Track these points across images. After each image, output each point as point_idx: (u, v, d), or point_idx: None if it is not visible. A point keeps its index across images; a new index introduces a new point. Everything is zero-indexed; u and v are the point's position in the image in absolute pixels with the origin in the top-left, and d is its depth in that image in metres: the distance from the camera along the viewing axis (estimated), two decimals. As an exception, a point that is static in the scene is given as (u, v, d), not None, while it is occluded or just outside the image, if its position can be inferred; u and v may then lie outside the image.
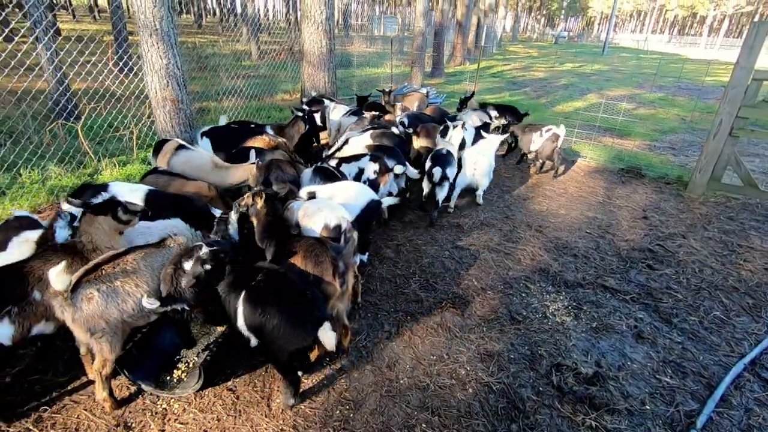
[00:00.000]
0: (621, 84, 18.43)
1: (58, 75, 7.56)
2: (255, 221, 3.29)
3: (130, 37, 11.58)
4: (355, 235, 3.40)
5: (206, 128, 5.31)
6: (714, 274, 4.39)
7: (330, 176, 4.25)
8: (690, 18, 76.72)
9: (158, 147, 4.64)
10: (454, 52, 22.43)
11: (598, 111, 10.29)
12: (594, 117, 9.39)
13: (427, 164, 5.14)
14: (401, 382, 2.97)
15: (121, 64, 6.56)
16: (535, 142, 6.71)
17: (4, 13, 4.93)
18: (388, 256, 4.51)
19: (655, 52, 44.12)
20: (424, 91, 9.47)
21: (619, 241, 5.05)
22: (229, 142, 5.06)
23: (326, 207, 3.42)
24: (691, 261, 4.64)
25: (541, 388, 2.98)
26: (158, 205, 3.42)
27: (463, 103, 8.43)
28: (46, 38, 6.61)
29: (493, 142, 5.98)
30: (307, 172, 4.41)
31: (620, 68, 25.71)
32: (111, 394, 2.66)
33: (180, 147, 4.54)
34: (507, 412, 2.79)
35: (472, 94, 8.65)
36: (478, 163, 5.44)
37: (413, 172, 5.01)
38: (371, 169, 4.63)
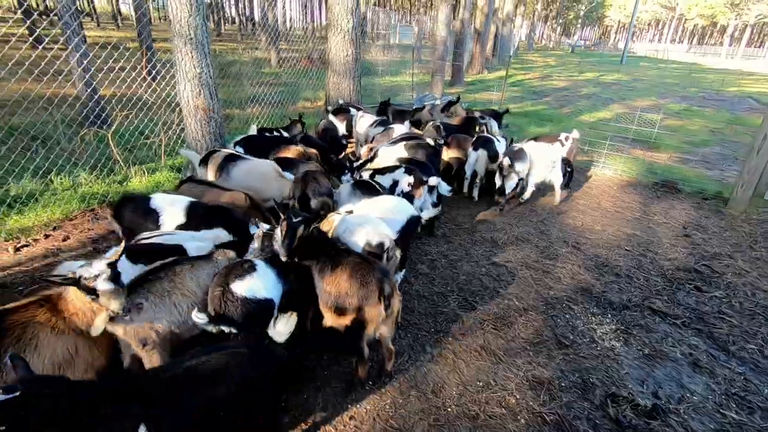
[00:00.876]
0: (643, 94, 18.10)
1: (86, 78, 7.64)
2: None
3: (154, 45, 11.74)
4: (398, 253, 3.30)
5: (239, 138, 5.27)
6: (768, 299, 4.17)
7: (370, 189, 4.14)
8: (710, 27, 75.58)
9: (207, 157, 4.58)
10: (472, 61, 22.33)
11: (622, 122, 10.08)
12: (624, 128, 9.17)
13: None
14: (449, 410, 2.82)
15: (154, 72, 6.56)
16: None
17: (29, 20, 4.97)
18: (423, 272, 4.38)
19: (674, 61, 43.52)
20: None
21: (662, 260, 4.85)
22: (263, 152, 5.00)
23: (369, 223, 3.31)
24: (741, 283, 4.41)
25: (597, 421, 2.80)
26: (199, 216, 3.37)
27: (447, 108, 8.23)
28: (73, 42, 6.67)
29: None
30: (346, 186, 4.32)
31: (641, 78, 25.33)
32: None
33: (236, 157, 4.50)
34: (564, 446, 2.63)
35: (457, 99, 8.49)
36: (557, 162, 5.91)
37: (446, 188, 4.89)
38: (406, 181, 4.52)
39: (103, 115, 8.10)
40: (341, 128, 7.49)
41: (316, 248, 3.05)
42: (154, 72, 6.48)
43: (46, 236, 4.71)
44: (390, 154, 5.19)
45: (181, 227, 3.39)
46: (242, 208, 4.04)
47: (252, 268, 2.57)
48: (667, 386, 3.11)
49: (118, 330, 2.39)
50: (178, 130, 6.98)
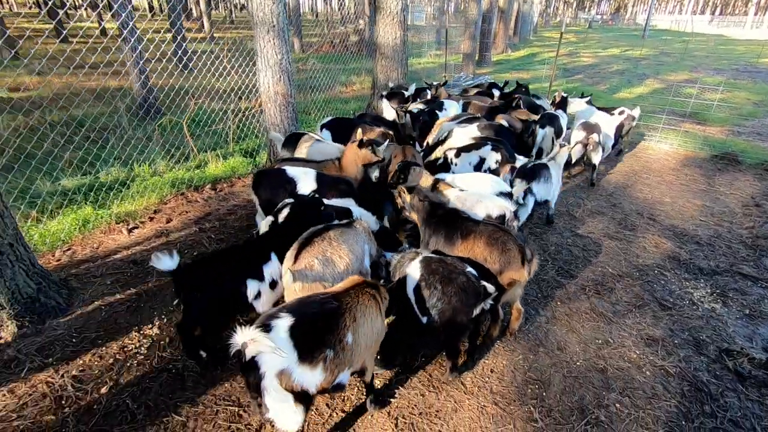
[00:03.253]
0: (676, 68, 17.77)
1: (144, 73, 7.95)
2: (415, 215, 3.45)
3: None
4: (516, 225, 3.50)
5: (326, 120, 5.48)
6: None
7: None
8: (733, -4, 72.74)
9: (291, 139, 4.82)
10: (495, 41, 22.04)
11: (663, 97, 10.03)
12: (680, 102, 9.15)
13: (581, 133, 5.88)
14: (578, 364, 3.07)
15: (231, 61, 6.77)
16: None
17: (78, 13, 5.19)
18: (512, 244, 4.59)
19: (698, 33, 42.18)
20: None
21: (739, 228, 4.98)
22: (348, 134, 5.21)
23: (486, 197, 3.52)
24: (823, 249, 4.54)
25: (718, 372, 3.03)
26: (327, 185, 3.67)
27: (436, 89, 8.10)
28: (131, 39, 6.92)
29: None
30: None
31: (668, 51, 24.76)
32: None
33: (313, 139, 4.75)
34: (693, 394, 2.86)
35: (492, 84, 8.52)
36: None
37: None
38: (493, 158, 4.69)
39: (156, 104, 8.41)
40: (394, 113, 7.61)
41: (442, 217, 3.29)
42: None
43: (151, 218, 5.02)
44: (464, 133, 5.35)
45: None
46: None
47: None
48: (775, 342, 3.31)
49: (295, 287, 2.65)
50: (243, 117, 7.23)
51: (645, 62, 20.01)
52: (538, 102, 7.41)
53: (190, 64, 7.62)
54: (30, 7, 29.55)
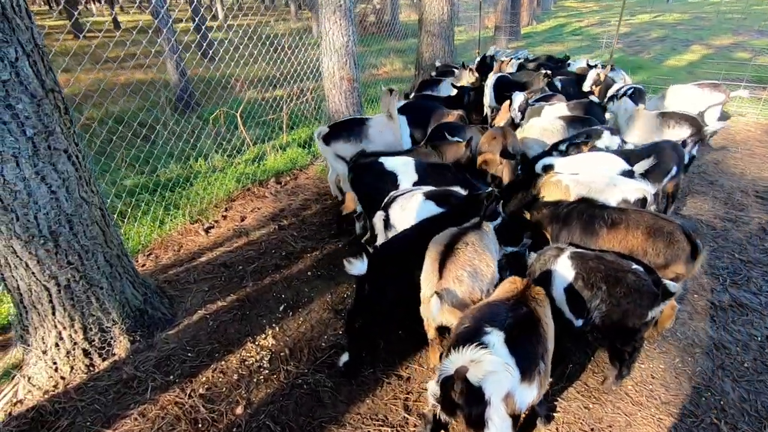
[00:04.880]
0: (717, 32, 16.79)
1: (180, 64, 7.65)
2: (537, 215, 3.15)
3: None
4: (654, 209, 3.17)
5: (400, 104, 5.12)
6: None
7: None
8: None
9: None
10: (521, 13, 21.13)
11: (714, 62, 9.40)
12: (738, 68, 8.53)
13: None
14: (746, 365, 2.76)
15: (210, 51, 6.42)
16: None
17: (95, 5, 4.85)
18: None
19: (726, -6, 40.02)
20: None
21: None
22: (424, 119, 4.87)
23: (618, 179, 3.18)
24: None
25: None
26: (429, 174, 3.45)
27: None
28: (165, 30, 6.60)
29: None
30: None
31: (701, 15, 23.49)
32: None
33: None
34: None
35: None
36: None
37: None
38: (615, 142, 4.28)
39: (197, 95, 8.15)
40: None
41: (570, 209, 2.98)
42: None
43: (224, 217, 4.80)
44: (552, 112, 4.96)
45: (416, 185, 3.41)
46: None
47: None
48: None
49: (441, 308, 2.37)
50: (293, 107, 6.92)
51: (681, 27, 19.01)
52: (611, 74, 6.92)
53: (226, 55, 7.29)
54: (39, 5, 29.31)
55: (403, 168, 3.49)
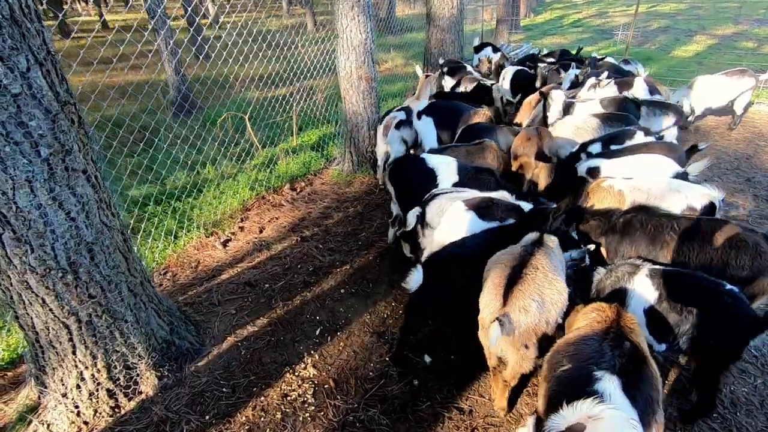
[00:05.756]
0: (718, 22, 16.68)
1: (180, 65, 7.27)
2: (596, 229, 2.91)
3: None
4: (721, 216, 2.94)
5: (424, 107, 4.83)
6: None
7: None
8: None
9: None
10: (519, 4, 20.86)
11: (721, 53, 9.24)
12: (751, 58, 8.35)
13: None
14: (831, 385, 2.55)
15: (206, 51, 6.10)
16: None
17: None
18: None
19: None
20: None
21: None
22: (451, 121, 4.60)
23: (680, 184, 2.95)
24: None
25: None
26: (470, 175, 3.27)
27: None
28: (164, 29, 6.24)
29: None
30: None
31: (698, 4, 23.39)
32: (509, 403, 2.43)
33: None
34: None
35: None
36: None
37: None
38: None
39: (196, 96, 7.80)
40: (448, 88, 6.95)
41: (627, 219, 2.76)
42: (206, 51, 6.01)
43: (241, 228, 4.51)
44: (586, 109, 4.72)
45: (456, 185, 3.22)
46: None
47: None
48: None
49: (500, 339, 2.12)
50: (304, 108, 6.61)
51: (680, 17, 18.89)
52: (626, 68, 6.71)
53: (223, 51, 6.95)
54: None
55: (446, 168, 3.29)
